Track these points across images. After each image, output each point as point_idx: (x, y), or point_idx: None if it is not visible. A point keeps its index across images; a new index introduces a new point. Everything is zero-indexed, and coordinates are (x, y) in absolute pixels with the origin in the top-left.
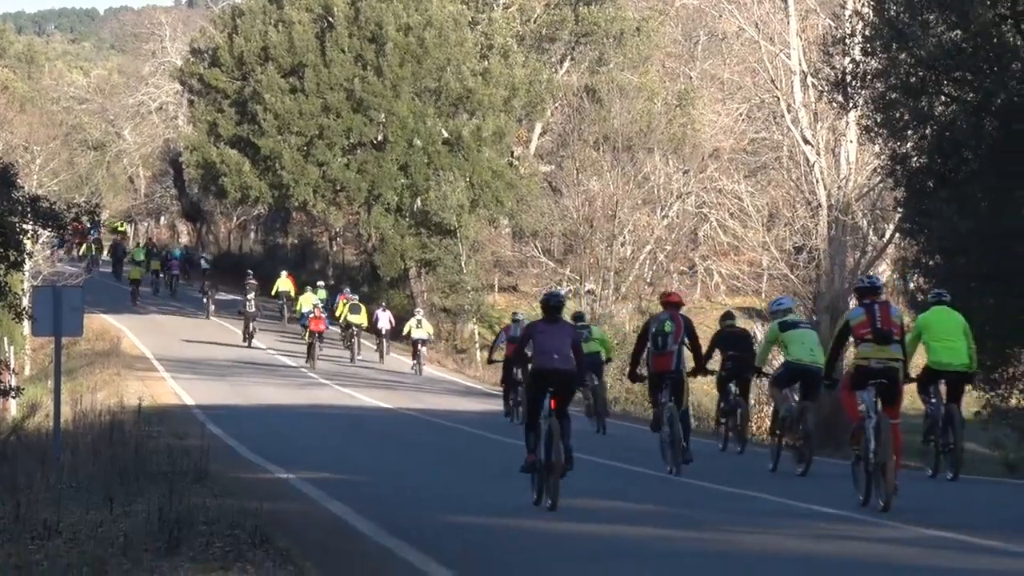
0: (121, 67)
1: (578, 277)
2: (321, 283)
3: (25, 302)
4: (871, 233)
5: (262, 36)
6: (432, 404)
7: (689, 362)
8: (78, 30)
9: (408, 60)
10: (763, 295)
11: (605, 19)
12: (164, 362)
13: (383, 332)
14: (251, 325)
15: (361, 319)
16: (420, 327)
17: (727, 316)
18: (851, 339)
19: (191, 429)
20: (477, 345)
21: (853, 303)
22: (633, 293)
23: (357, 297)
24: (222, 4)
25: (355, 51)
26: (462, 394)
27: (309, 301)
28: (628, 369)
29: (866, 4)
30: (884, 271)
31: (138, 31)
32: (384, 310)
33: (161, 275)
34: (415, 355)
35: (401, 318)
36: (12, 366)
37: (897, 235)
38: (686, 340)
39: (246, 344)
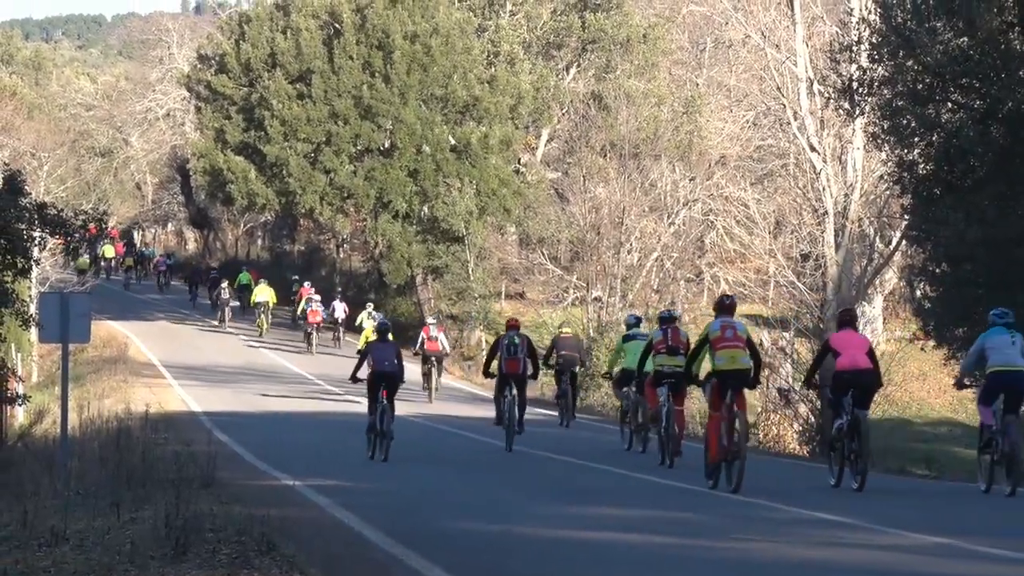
0: (128, 74)
1: (585, 284)
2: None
3: (32, 309)
4: (878, 240)
5: (269, 43)
6: (438, 411)
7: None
8: (85, 36)
9: (415, 67)
10: (770, 302)
11: (612, 26)
12: (171, 369)
13: (339, 321)
14: (226, 311)
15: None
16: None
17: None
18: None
19: (198, 436)
20: (484, 352)
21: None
22: (640, 300)
23: (313, 290)
24: (229, 11)
25: (362, 58)
26: (467, 401)
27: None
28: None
29: (873, 11)
30: (891, 278)
31: (145, 38)
32: (340, 300)
33: (134, 271)
34: None
35: (409, 325)
36: (19, 373)
37: (904, 242)
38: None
39: (220, 326)
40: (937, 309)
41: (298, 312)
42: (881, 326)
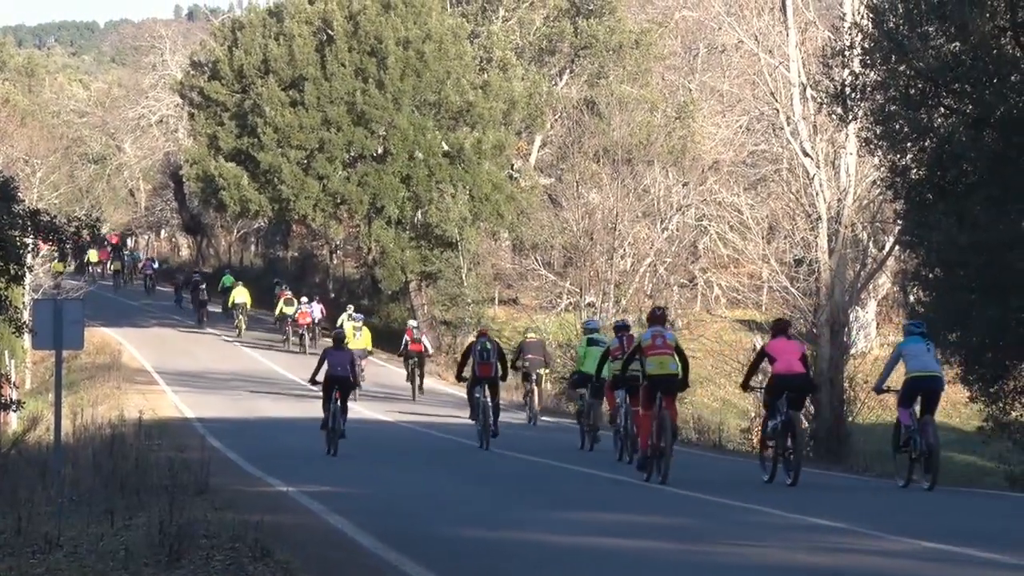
0: (121, 80)
1: (578, 290)
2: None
3: (26, 316)
4: (871, 245)
5: (262, 49)
6: (431, 417)
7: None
8: (78, 43)
9: (408, 73)
10: (763, 308)
11: (604, 32)
12: (164, 375)
13: (314, 322)
14: (204, 311)
15: (291, 310)
16: (358, 335)
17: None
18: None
19: (191, 442)
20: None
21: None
22: (634, 306)
23: (290, 293)
24: (222, 17)
25: (355, 64)
26: (461, 407)
27: (291, 307)
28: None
29: (865, 16)
30: (884, 283)
31: (138, 44)
32: (317, 302)
33: (121, 275)
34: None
35: (403, 332)
36: (13, 379)
37: (897, 247)
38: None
39: (200, 326)
40: (930, 314)
41: (276, 313)
42: (875, 331)
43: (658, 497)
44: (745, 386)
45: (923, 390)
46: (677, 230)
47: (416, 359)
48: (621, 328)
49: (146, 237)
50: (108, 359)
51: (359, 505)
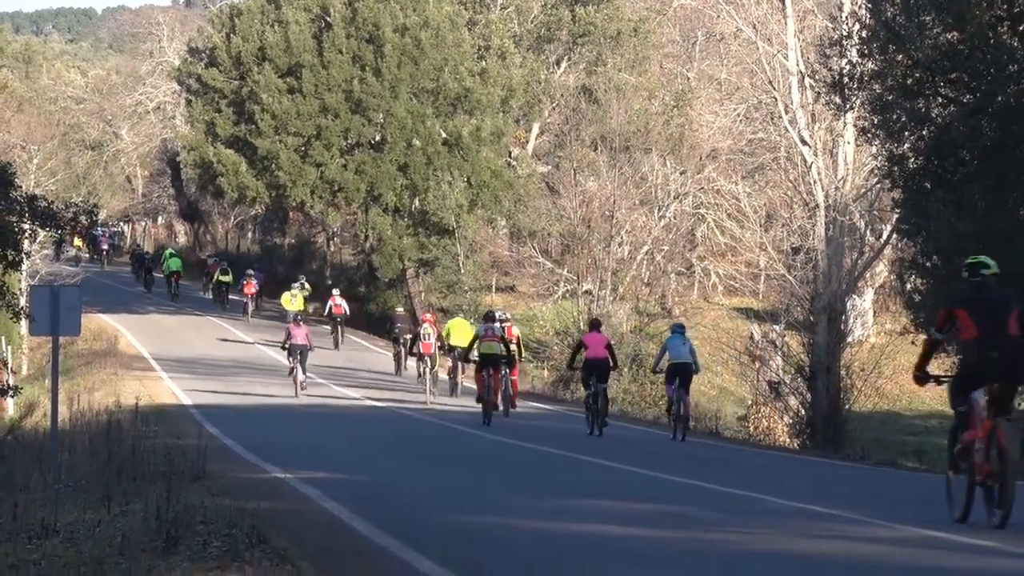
0: (119, 67)
1: (575, 277)
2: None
3: (23, 302)
4: (868, 234)
5: (259, 36)
6: (436, 407)
7: None
8: (76, 30)
9: (406, 61)
10: (760, 295)
11: (602, 19)
12: (161, 362)
13: (256, 292)
14: (148, 277)
15: (228, 278)
16: (294, 300)
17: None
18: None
19: (188, 429)
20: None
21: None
22: (631, 294)
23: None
24: (219, 4)
25: (352, 52)
26: (459, 393)
27: (288, 302)
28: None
29: (862, 6)
30: (881, 271)
31: (136, 31)
32: (257, 270)
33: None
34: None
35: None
36: (10, 365)
37: (895, 236)
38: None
39: (147, 292)
40: (927, 302)
41: (212, 283)
42: (872, 319)
43: (651, 483)
44: (570, 366)
45: (679, 373)
46: (675, 218)
47: (340, 319)
48: (489, 318)
49: (143, 223)
50: (105, 345)
51: (356, 492)
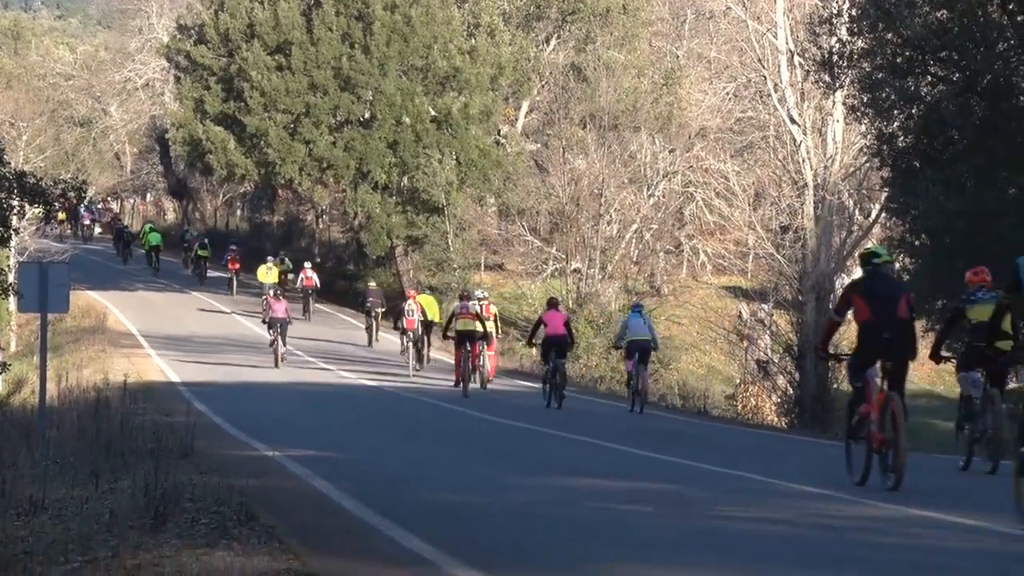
0: (108, 44)
1: (564, 256)
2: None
3: (11, 278)
4: (857, 212)
5: (248, 13)
6: (417, 382)
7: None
8: (65, 6)
9: (395, 38)
10: (749, 274)
11: None
12: (149, 339)
13: (235, 270)
14: (127, 251)
15: (206, 252)
16: (269, 273)
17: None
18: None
19: (177, 406)
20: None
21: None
22: (619, 272)
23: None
24: None
25: (342, 29)
26: (447, 371)
27: (264, 275)
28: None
29: None
30: None
31: (125, 7)
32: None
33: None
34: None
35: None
36: None
37: (883, 214)
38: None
39: (126, 265)
40: (917, 281)
41: (192, 256)
42: None
43: (636, 460)
44: (529, 343)
45: (639, 349)
46: (663, 196)
47: (312, 292)
48: (464, 297)
49: (132, 200)
50: (93, 322)
51: (343, 470)
